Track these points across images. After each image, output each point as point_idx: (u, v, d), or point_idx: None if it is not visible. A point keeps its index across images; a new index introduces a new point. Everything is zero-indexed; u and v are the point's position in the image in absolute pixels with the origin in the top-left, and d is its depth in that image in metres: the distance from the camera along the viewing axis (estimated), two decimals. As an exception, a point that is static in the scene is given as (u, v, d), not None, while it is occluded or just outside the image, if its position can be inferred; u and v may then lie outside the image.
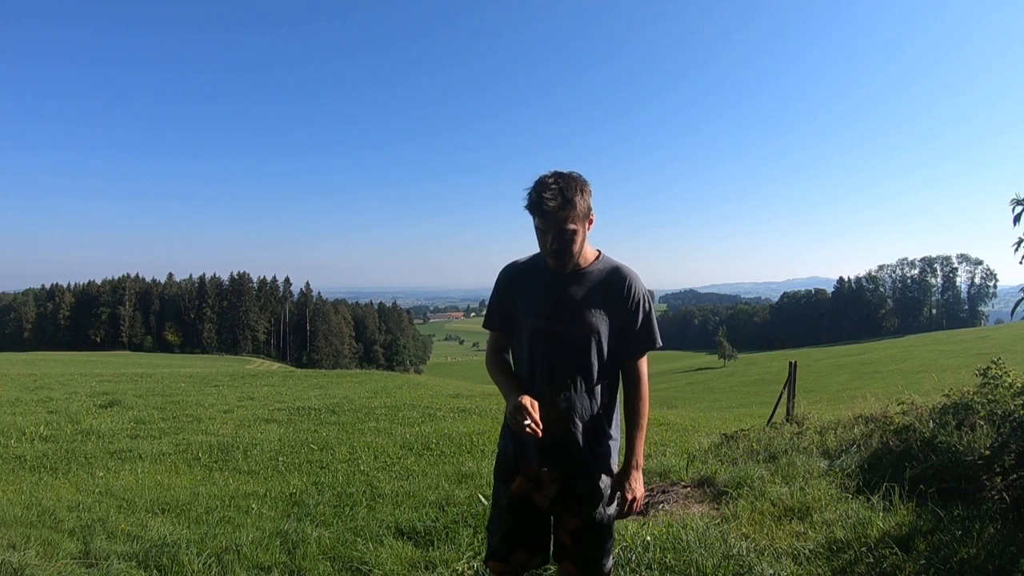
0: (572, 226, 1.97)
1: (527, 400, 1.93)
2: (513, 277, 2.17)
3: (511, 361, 2.22)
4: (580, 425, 2.05)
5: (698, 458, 5.80)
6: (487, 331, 2.25)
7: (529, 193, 1.99)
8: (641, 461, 2.09)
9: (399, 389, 13.98)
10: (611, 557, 2.18)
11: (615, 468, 2.13)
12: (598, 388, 2.07)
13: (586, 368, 2.04)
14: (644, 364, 2.13)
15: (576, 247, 2.02)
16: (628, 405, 2.13)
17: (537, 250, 2.11)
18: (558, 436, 2.03)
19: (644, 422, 2.10)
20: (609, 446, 2.11)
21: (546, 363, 2.04)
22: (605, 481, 2.09)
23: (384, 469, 6.38)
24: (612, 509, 2.12)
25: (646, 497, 4.72)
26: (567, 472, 2.07)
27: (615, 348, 2.09)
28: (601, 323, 2.05)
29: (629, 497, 2.06)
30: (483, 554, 3.10)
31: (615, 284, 2.08)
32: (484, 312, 2.27)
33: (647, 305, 2.12)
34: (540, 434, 1.92)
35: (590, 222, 2.05)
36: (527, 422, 1.91)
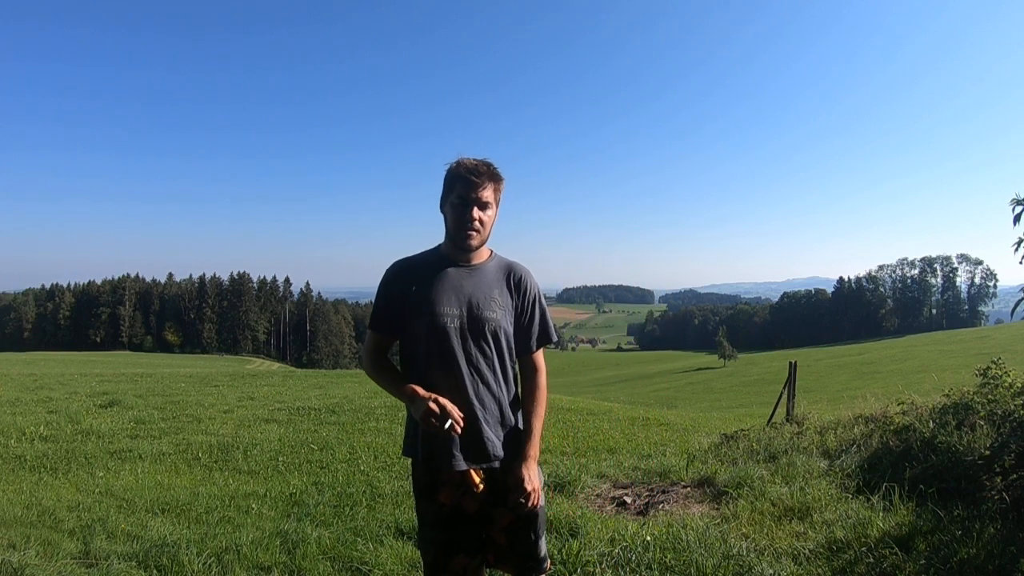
0: (491, 198, 2.03)
1: (443, 399, 1.89)
2: (404, 273, 2.09)
3: (393, 364, 2.16)
4: (492, 418, 2.03)
5: (698, 458, 5.81)
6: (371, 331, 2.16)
7: (459, 162, 2.03)
8: (536, 452, 2.05)
9: (399, 389, 13.95)
10: (545, 550, 2.14)
11: (532, 461, 2.10)
12: (505, 381, 2.07)
13: (492, 362, 2.04)
14: (541, 357, 2.16)
15: (489, 224, 2.06)
16: (525, 396, 2.12)
17: (425, 248, 2.14)
18: (475, 433, 1.99)
19: (542, 411, 2.10)
20: (523, 435, 2.09)
21: (450, 359, 2.00)
22: (527, 470, 2.04)
23: (384, 469, 6.38)
24: (540, 500, 2.08)
25: (646, 497, 4.73)
26: (489, 468, 2.03)
27: (515, 342, 2.11)
28: (503, 318, 2.06)
29: (529, 488, 1.99)
30: None
31: (512, 279, 2.11)
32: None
33: (541, 301, 2.16)
34: (459, 430, 1.88)
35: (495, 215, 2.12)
36: (449, 422, 1.85)
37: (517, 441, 2.08)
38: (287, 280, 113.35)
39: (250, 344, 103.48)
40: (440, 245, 2.13)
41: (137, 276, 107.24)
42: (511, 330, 2.09)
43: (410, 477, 2.14)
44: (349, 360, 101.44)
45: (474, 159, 2.04)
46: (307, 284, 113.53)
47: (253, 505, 4.99)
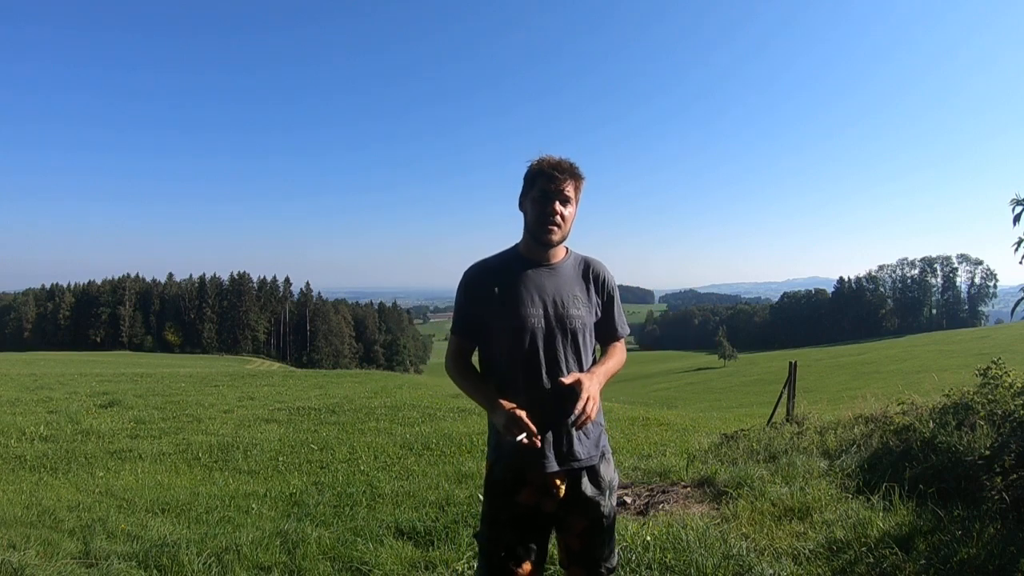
0: (573, 198, 2.04)
1: (521, 412, 1.87)
2: (483, 276, 2.09)
3: (476, 367, 2.16)
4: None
5: (698, 458, 5.81)
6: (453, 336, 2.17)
7: (540, 159, 2.04)
8: (600, 373, 2.00)
9: (399, 389, 13.98)
10: (616, 554, 2.16)
11: (611, 458, 2.13)
12: None
13: (577, 361, 2.03)
14: (622, 344, 2.19)
15: (569, 224, 2.05)
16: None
17: (500, 249, 2.14)
18: (563, 433, 1.99)
19: (618, 359, 2.12)
20: (603, 435, 2.11)
21: (536, 361, 1.99)
22: (607, 472, 2.08)
23: (384, 469, 6.39)
24: (613, 500, 2.11)
25: (646, 497, 4.73)
26: (573, 470, 2.02)
27: (596, 338, 2.13)
28: (587, 315, 2.06)
29: (586, 395, 1.86)
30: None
31: (591, 276, 2.11)
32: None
33: (617, 294, 2.17)
34: (538, 444, 1.88)
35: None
36: (523, 435, 1.84)
37: (603, 440, 2.10)
38: (287, 280, 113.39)
39: (250, 344, 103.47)
40: (517, 245, 2.12)
41: (137, 276, 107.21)
42: (592, 326, 2.10)
43: (484, 477, 2.12)
44: (349, 360, 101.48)
45: (556, 157, 2.04)
46: (307, 284, 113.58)
47: (253, 505, 4.99)
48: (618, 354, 2.15)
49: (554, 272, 2.07)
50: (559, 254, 2.11)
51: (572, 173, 2.02)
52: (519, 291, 2.02)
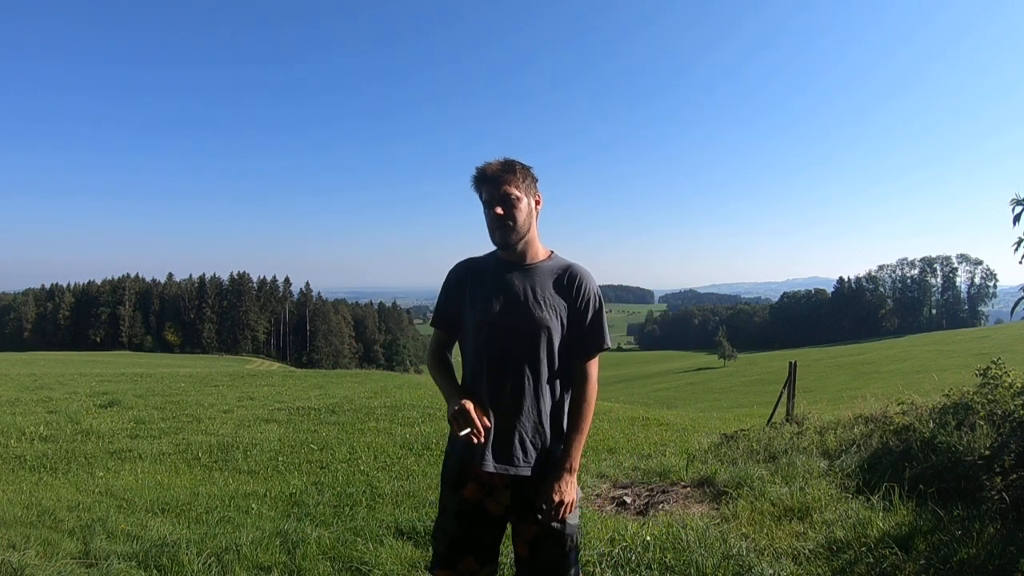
0: (516, 192, 1.98)
1: (469, 405, 1.87)
2: (463, 273, 2.12)
3: (451, 361, 2.17)
4: (530, 425, 1.98)
5: (698, 458, 5.81)
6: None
7: (475, 171, 2.04)
8: (576, 465, 1.98)
9: (399, 389, 13.96)
10: (575, 568, 2.04)
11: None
12: (549, 386, 2.00)
13: (535, 365, 1.98)
14: (594, 366, 2.05)
15: (520, 216, 1.99)
16: (571, 406, 2.04)
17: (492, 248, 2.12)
18: (508, 436, 1.96)
19: (585, 425, 2.01)
20: (562, 445, 2.03)
21: (493, 359, 1.98)
22: (559, 482, 1.98)
23: (384, 469, 6.39)
24: (574, 517, 2.01)
25: (645, 497, 4.73)
26: (520, 476, 1.97)
27: (565, 347, 2.03)
28: (551, 319, 1.99)
29: (556, 499, 1.92)
30: None
31: (566, 281, 2.04)
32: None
33: (598, 304, 2.06)
34: (481, 440, 1.87)
35: (538, 202, 2.07)
36: (467, 430, 1.84)
37: (550, 454, 2.01)
38: (287, 280, 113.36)
39: (250, 344, 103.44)
40: None
41: (137, 276, 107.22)
42: (559, 332, 2.01)
43: (441, 466, 2.14)
44: (349, 360, 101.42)
45: (491, 162, 2.02)
46: (307, 284, 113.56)
47: (253, 505, 4.99)
48: (586, 408, 2.01)
49: (525, 273, 2.05)
50: (536, 255, 2.07)
51: (505, 170, 1.99)
52: (484, 288, 2.04)
